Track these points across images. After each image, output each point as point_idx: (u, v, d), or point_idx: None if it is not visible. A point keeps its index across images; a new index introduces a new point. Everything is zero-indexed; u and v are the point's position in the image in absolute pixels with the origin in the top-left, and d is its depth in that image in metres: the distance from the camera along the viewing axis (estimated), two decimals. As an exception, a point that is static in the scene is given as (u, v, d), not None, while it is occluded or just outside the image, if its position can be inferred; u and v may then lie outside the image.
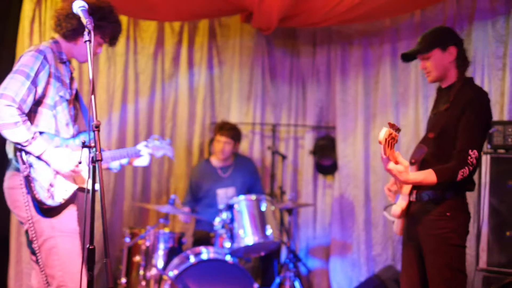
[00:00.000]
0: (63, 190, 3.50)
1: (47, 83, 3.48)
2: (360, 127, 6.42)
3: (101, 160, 2.68)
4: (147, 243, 5.40)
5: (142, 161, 4.23)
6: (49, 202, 3.43)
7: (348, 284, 6.35)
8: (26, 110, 3.40)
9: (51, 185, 3.45)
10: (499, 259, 4.66)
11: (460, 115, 3.50)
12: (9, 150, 3.53)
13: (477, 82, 5.33)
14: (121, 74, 6.39)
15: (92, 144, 2.72)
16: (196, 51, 6.72)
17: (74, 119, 3.74)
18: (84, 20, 2.89)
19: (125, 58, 6.42)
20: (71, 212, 3.57)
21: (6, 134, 3.32)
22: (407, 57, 3.77)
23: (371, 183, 6.31)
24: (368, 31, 6.48)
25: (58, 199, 3.47)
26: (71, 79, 3.76)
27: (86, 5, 2.98)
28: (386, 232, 6.19)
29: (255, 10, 5.81)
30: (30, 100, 3.40)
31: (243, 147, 6.68)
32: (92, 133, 3.69)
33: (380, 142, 3.19)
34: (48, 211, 3.46)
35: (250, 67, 6.80)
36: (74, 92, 3.76)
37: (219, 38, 6.79)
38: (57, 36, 3.67)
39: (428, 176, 3.42)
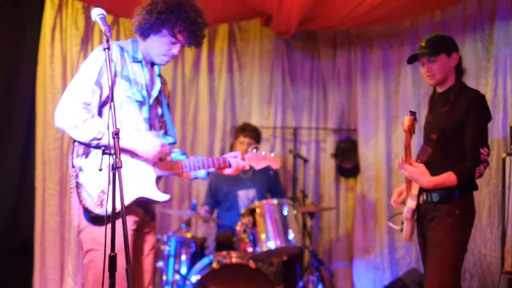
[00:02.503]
0: (118, 199, 3.09)
1: (113, 82, 3.09)
2: (382, 129, 6.39)
3: (121, 167, 2.64)
4: (170, 249, 5.41)
5: (230, 171, 3.79)
6: (97, 210, 3.16)
7: (371, 287, 6.31)
8: (94, 113, 3.23)
9: (102, 192, 3.18)
10: (525, 261, 4.61)
11: (463, 115, 3.68)
12: None
13: (499, 83, 5.31)
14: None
15: (112, 151, 2.67)
16: (216, 55, 6.72)
17: (151, 123, 3.46)
18: (103, 28, 2.88)
19: (145, 63, 6.44)
20: (119, 227, 3.04)
21: (76, 135, 3.16)
22: (411, 59, 3.96)
23: (394, 185, 6.27)
24: (388, 33, 6.45)
25: (110, 208, 3.04)
26: (153, 81, 3.53)
27: (105, 13, 2.95)
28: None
29: (274, 14, 5.81)
30: (95, 102, 3.23)
31: (265, 151, 6.65)
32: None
33: (405, 130, 3.51)
34: (96, 220, 3.19)
35: (270, 70, 6.79)
36: (156, 94, 3.51)
37: (238, 42, 6.79)
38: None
39: (448, 178, 3.59)
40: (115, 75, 3.29)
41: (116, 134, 2.69)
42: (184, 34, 3.37)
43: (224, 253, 5.18)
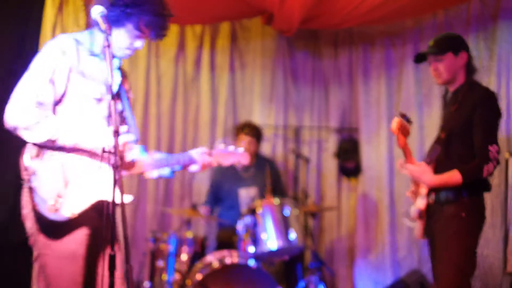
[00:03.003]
0: (76, 203, 2.98)
1: (67, 79, 3.05)
2: (384, 129, 6.37)
3: (120, 166, 2.62)
4: (170, 248, 5.38)
5: (196, 167, 3.61)
6: (52, 216, 2.93)
7: (373, 288, 6.30)
8: (48, 112, 3.01)
9: (58, 196, 2.95)
10: (528, 262, 4.59)
11: (471, 114, 3.63)
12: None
13: (502, 83, 5.30)
14: (143, 78, 6.41)
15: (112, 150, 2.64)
16: (217, 54, 6.70)
17: (111, 120, 3.17)
18: (103, 26, 2.84)
19: (146, 61, 6.44)
20: (77, 232, 3.01)
21: (29, 136, 2.97)
22: (419, 58, 3.93)
23: (396, 185, 6.25)
24: (390, 32, 6.42)
25: (66, 212, 2.95)
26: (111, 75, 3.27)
27: (106, 11, 2.91)
28: (411, 235, 6.11)
29: (276, 12, 5.79)
30: (49, 101, 3.01)
31: (266, 150, 6.64)
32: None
33: (393, 132, 3.50)
34: (49, 226, 2.97)
35: (272, 69, 6.77)
36: (115, 89, 3.29)
37: (240, 41, 6.77)
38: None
39: (453, 176, 3.52)
40: (70, 71, 3.07)
41: (116, 132, 2.65)
42: (150, 28, 3.20)
43: (225, 252, 5.16)
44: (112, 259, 2.61)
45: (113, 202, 2.61)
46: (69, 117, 3.07)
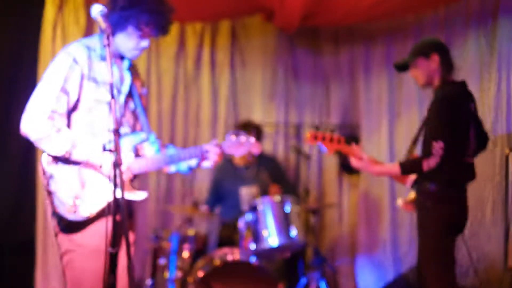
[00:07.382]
0: (93, 203, 3.09)
1: (80, 86, 3.12)
2: (385, 126, 6.37)
3: (121, 164, 2.63)
4: (172, 245, 5.39)
5: (208, 163, 3.61)
6: (71, 217, 3.04)
7: (374, 284, 6.30)
8: (63, 121, 3.10)
9: (76, 197, 3.06)
10: (528, 258, 4.60)
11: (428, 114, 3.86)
12: None
13: (503, 78, 5.28)
14: (143, 76, 6.39)
15: (113, 148, 2.66)
16: (218, 52, 6.70)
17: (124, 120, 3.35)
18: (103, 25, 2.85)
19: (147, 60, 6.44)
20: (99, 229, 3.05)
21: (42, 147, 3.07)
22: (401, 68, 4.14)
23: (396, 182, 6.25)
24: (391, 29, 6.42)
25: (84, 213, 3.06)
26: (122, 77, 3.36)
27: (106, 10, 2.90)
28: (413, 231, 6.11)
29: (277, 9, 5.79)
30: (62, 110, 3.08)
31: (267, 147, 6.65)
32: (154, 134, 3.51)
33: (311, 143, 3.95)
34: (69, 226, 3.09)
35: (273, 67, 6.77)
36: (126, 90, 3.36)
37: (241, 38, 6.77)
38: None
39: (393, 168, 3.84)
40: (82, 78, 3.13)
41: (116, 131, 2.68)
42: (150, 27, 3.25)
43: (226, 249, 5.17)
44: (113, 257, 2.64)
45: (115, 199, 2.64)
46: (82, 128, 3.15)
